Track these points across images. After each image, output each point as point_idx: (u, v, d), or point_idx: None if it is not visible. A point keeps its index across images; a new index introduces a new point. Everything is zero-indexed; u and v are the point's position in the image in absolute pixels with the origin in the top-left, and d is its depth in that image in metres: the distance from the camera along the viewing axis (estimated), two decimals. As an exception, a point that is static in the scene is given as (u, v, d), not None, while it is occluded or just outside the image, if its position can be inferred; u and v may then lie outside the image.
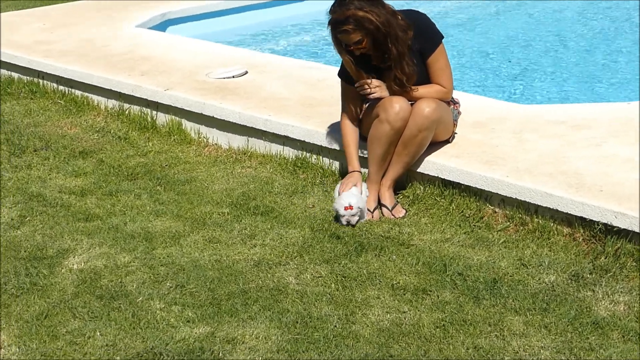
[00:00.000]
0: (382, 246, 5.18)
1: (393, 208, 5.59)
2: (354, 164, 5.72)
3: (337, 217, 5.50)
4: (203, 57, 8.25)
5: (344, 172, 6.05)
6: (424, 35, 5.57)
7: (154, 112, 7.32)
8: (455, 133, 5.96)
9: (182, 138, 7.00)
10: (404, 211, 5.61)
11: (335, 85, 6.16)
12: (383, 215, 5.61)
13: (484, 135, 6.05)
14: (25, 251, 5.23)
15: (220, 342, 4.31)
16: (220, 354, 4.22)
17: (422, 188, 5.75)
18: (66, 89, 8.06)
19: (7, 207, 5.80)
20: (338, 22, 5.37)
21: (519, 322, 4.43)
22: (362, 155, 5.79)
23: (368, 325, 4.43)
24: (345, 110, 5.83)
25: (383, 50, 5.46)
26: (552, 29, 11.58)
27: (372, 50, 5.47)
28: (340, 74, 5.81)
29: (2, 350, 4.29)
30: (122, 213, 5.71)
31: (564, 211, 5.15)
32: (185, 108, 7.07)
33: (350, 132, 5.77)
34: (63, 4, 11.23)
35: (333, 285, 4.80)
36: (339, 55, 5.59)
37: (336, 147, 6.13)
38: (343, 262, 5.03)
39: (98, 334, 4.39)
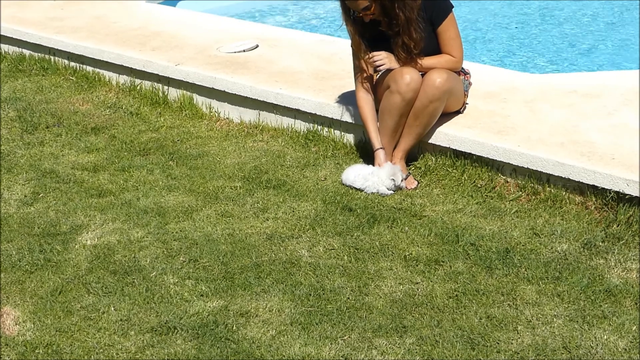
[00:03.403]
0: (394, 218, 5.18)
1: (405, 179, 5.59)
2: (373, 141, 5.71)
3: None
4: (214, 31, 8.23)
5: (356, 145, 6.07)
6: (434, 3, 5.56)
7: (166, 88, 7.32)
8: (467, 103, 5.94)
9: (193, 113, 7.00)
10: (416, 182, 5.60)
11: (346, 58, 6.15)
12: (395, 186, 5.62)
13: (496, 105, 6.03)
14: (38, 227, 5.26)
15: (234, 316, 4.33)
16: (234, 327, 4.24)
17: (433, 159, 5.74)
18: (77, 65, 8.06)
19: (20, 184, 5.82)
20: None
21: (532, 291, 4.43)
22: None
23: (381, 297, 4.45)
24: (358, 81, 5.82)
25: (391, 16, 5.45)
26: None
27: (381, 16, 5.47)
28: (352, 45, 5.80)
29: (17, 326, 4.32)
30: (134, 188, 5.73)
31: (576, 180, 5.15)
32: (197, 83, 7.06)
33: (366, 105, 5.76)
34: (73, -19, 11.22)
35: (346, 257, 4.82)
36: (345, 24, 5.59)
37: (348, 119, 6.12)
38: (355, 234, 5.04)
39: (112, 309, 4.42)
